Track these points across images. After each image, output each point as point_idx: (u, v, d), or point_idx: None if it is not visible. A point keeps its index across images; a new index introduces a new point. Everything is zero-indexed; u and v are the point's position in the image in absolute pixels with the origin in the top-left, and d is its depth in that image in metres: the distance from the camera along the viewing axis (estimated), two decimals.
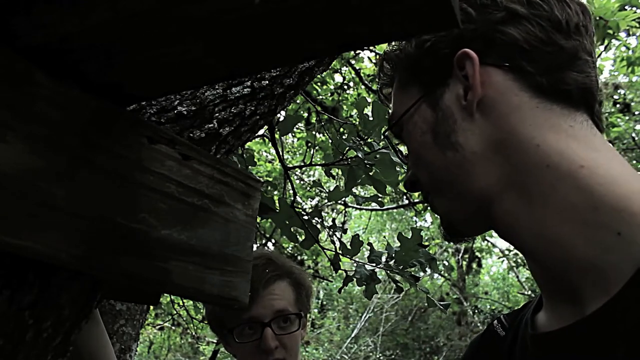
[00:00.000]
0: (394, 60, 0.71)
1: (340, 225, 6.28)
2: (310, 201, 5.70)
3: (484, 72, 0.61)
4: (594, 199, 0.56)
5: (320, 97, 4.29)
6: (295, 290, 1.38)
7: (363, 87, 4.45)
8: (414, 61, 0.67)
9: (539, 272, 0.65)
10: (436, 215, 0.71)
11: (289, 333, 1.32)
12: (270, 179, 4.69)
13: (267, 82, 1.02)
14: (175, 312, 5.70)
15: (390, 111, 0.72)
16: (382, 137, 1.78)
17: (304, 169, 5.12)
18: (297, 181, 5.34)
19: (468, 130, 0.62)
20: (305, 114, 4.11)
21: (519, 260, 10.76)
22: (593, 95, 0.63)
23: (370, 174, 1.76)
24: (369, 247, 2.02)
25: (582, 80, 0.61)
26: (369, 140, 1.76)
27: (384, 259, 1.94)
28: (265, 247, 4.05)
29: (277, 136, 2.22)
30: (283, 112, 2.67)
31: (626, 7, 3.25)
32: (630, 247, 0.54)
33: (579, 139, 0.60)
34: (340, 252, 2.00)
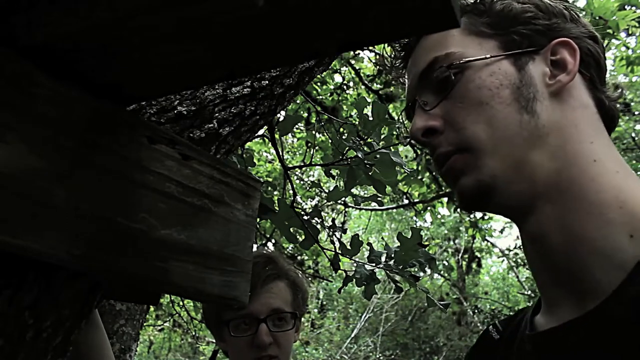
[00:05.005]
0: (485, 4, 0.71)
1: (340, 225, 6.27)
2: (310, 201, 5.69)
3: None
4: (621, 199, 0.61)
5: (320, 97, 4.29)
6: (292, 291, 1.42)
7: (363, 87, 4.45)
8: (509, 19, 0.69)
9: (547, 269, 0.65)
10: (459, 177, 0.67)
11: (283, 331, 1.35)
12: (270, 179, 4.69)
13: (267, 82, 1.02)
14: (175, 313, 5.70)
15: (441, 50, 0.69)
16: (381, 137, 1.78)
17: (303, 169, 5.11)
18: (297, 181, 5.33)
19: (544, 106, 0.67)
20: (305, 114, 4.11)
21: (519, 260, 10.76)
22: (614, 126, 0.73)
23: (370, 174, 1.76)
24: (368, 247, 2.01)
25: (617, 114, 0.71)
26: (369, 140, 1.76)
27: (383, 258, 1.94)
28: (265, 247, 4.05)
29: (277, 136, 2.22)
30: (283, 112, 2.66)
31: (626, 7, 3.25)
32: (636, 250, 0.57)
33: (614, 151, 0.67)
34: (339, 252, 2.00)
